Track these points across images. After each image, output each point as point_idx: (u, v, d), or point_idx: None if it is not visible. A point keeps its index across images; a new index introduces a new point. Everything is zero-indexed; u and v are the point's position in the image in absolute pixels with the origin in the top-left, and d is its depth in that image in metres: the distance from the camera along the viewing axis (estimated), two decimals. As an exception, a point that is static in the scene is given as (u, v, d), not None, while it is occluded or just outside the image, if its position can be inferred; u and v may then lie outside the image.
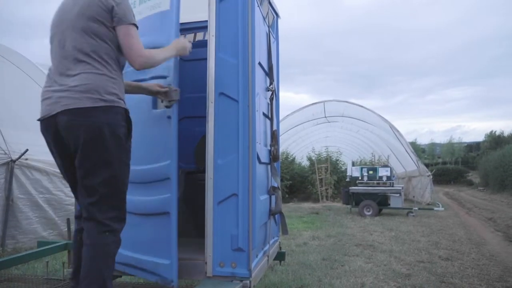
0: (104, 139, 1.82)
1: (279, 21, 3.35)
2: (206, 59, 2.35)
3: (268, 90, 2.85)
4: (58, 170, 4.83)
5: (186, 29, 3.12)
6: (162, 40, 2.21)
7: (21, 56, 6.56)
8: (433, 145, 51.44)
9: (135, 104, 2.32)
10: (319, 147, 16.23)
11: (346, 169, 14.23)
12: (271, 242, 2.92)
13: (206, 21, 2.38)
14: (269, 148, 2.79)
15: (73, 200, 4.38)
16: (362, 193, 9.49)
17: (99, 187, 1.84)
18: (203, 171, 2.36)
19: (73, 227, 2.91)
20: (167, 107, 2.19)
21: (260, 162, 2.48)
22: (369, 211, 9.19)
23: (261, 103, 2.58)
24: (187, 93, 2.85)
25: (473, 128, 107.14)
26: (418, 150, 35.69)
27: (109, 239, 1.85)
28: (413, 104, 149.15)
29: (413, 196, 12.31)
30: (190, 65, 3.01)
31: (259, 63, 2.55)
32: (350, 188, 9.83)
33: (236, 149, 2.27)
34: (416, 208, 9.47)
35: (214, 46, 2.32)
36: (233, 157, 2.27)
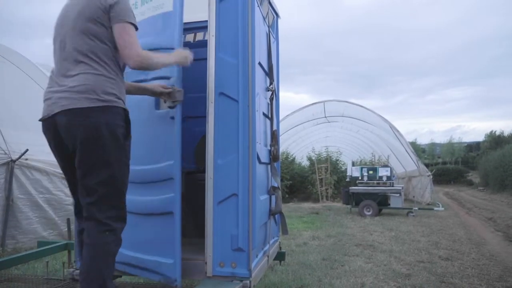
0: (102, 138, 1.82)
1: (279, 21, 3.35)
2: (206, 59, 2.35)
3: (268, 90, 2.85)
4: (58, 170, 4.84)
5: (186, 29, 3.10)
6: (165, 41, 2.21)
7: (21, 56, 6.56)
8: (433, 145, 51.42)
9: (138, 104, 2.32)
10: (319, 147, 16.23)
11: (346, 169, 14.23)
12: (271, 242, 2.92)
13: (206, 21, 2.38)
14: (269, 148, 2.79)
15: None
16: (362, 193, 9.49)
17: (98, 186, 1.84)
18: (203, 171, 2.37)
19: (73, 227, 2.91)
20: (170, 107, 2.19)
21: (260, 162, 2.48)
22: (369, 211, 9.19)
23: (261, 103, 2.58)
24: (187, 93, 2.84)
25: (473, 128, 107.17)
26: (418, 150, 35.69)
27: (109, 238, 1.85)
28: (413, 104, 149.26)
29: (413, 196, 12.31)
30: (190, 65, 3.00)
31: (259, 63, 2.55)
32: (350, 188, 9.83)
33: (236, 149, 2.27)
34: (416, 208, 9.47)
35: (214, 46, 2.32)
36: (233, 157, 2.27)
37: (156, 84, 2.22)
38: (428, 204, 11.62)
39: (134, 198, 2.28)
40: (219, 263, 2.24)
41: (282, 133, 12.09)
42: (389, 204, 9.58)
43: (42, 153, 4.99)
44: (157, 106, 2.32)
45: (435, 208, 9.80)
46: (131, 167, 2.01)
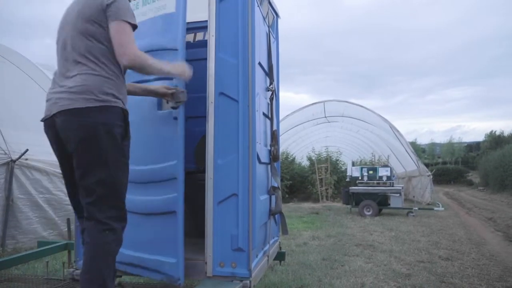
0: (99, 138, 1.82)
1: (279, 21, 3.35)
2: (206, 59, 2.35)
3: (268, 90, 2.85)
4: (58, 170, 4.84)
5: (186, 29, 3.11)
6: (167, 42, 2.21)
7: (21, 56, 6.56)
8: (433, 145, 51.43)
9: (140, 104, 2.33)
10: (319, 147, 16.22)
11: (346, 169, 14.23)
12: (271, 242, 2.92)
13: (206, 21, 2.38)
14: (269, 148, 2.79)
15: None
16: (362, 193, 9.49)
17: (96, 186, 1.84)
18: (203, 171, 2.37)
19: (73, 227, 2.91)
20: (173, 108, 2.19)
21: (260, 162, 2.48)
22: (369, 211, 9.19)
23: (261, 103, 2.58)
24: (187, 93, 2.85)
25: (473, 128, 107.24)
26: (418, 150, 35.70)
27: (109, 237, 1.85)
28: (413, 104, 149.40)
29: (413, 196, 12.30)
30: (190, 65, 3.00)
31: (259, 63, 2.55)
32: (350, 188, 9.82)
33: (236, 149, 2.27)
34: (416, 208, 9.47)
35: (214, 46, 2.33)
36: (233, 157, 2.27)
37: (159, 85, 2.22)
38: (428, 204, 11.62)
39: (136, 198, 2.28)
40: (219, 263, 2.24)
41: (282, 133, 12.09)
42: (389, 204, 9.58)
43: (42, 153, 4.99)
44: (159, 106, 2.33)
45: (435, 208, 9.80)
46: (134, 167, 2.01)
